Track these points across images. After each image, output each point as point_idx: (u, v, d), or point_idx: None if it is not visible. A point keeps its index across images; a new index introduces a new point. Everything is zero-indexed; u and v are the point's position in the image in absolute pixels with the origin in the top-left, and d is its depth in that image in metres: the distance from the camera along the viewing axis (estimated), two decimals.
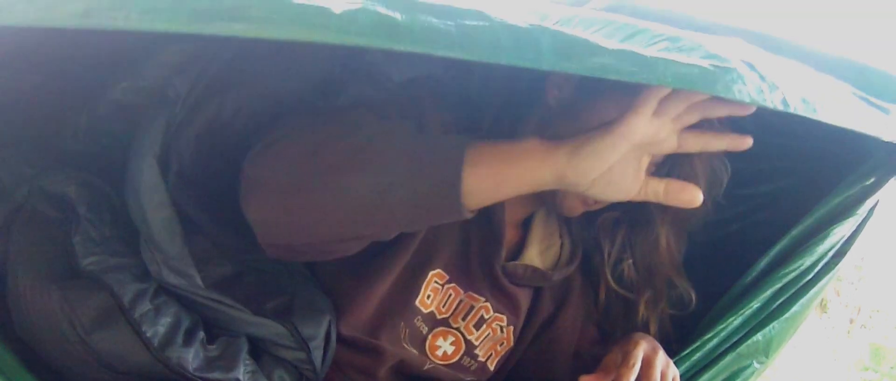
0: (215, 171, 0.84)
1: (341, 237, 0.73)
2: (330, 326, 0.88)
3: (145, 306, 0.79)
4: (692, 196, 0.71)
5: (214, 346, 0.81)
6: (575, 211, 0.93)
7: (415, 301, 0.93)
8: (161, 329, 0.78)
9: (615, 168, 0.67)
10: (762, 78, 0.64)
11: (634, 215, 0.99)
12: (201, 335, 0.81)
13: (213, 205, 0.86)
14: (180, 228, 0.81)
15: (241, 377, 0.80)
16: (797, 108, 0.66)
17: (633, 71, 0.57)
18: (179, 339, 0.79)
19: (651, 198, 0.71)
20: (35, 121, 0.89)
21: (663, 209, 0.95)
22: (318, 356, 0.85)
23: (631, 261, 1.01)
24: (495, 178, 0.67)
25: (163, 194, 0.79)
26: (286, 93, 0.86)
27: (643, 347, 0.89)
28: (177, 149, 0.81)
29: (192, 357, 0.78)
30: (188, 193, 0.83)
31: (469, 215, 0.67)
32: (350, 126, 0.72)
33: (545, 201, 0.94)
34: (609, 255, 1.02)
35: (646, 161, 0.70)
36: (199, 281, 0.81)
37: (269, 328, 0.83)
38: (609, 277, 1.02)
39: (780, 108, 0.64)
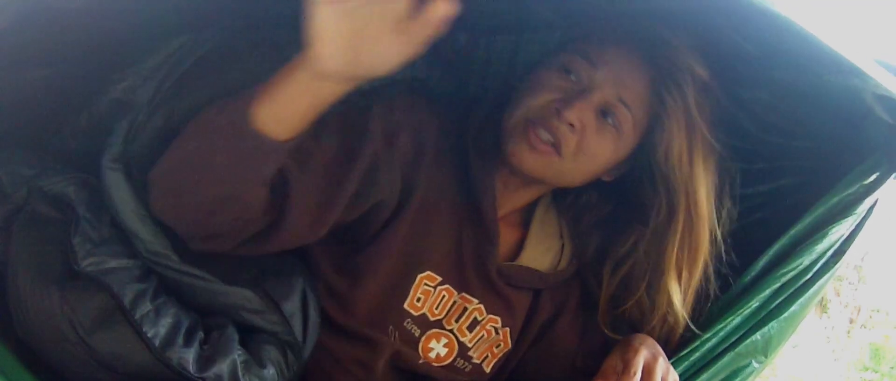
0: None
1: (209, 207, 0.75)
2: (306, 292, 0.88)
3: (146, 306, 0.79)
4: (443, 5, 0.59)
5: (208, 345, 0.81)
6: (524, 162, 0.87)
7: (403, 305, 0.92)
8: (162, 330, 0.79)
9: (363, 35, 0.60)
10: None
11: (645, 226, 0.93)
12: (200, 335, 0.82)
13: None
14: (148, 218, 0.82)
15: (237, 358, 0.80)
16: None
17: None
18: (180, 339, 0.79)
19: (423, 37, 0.62)
20: (35, 121, 0.89)
21: (675, 229, 0.89)
22: (295, 321, 0.85)
23: (632, 303, 0.95)
24: (277, 100, 0.68)
25: (126, 189, 0.81)
26: None
27: (643, 354, 0.87)
28: (136, 153, 0.83)
29: (193, 357, 0.79)
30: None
31: (280, 145, 0.69)
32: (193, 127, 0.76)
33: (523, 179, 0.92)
34: (606, 295, 0.98)
35: (396, 9, 0.60)
36: (175, 258, 0.83)
37: (240, 295, 0.84)
38: (604, 325, 0.98)
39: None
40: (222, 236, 0.79)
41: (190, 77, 0.87)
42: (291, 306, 0.86)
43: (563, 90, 0.86)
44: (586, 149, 0.87)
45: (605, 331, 0.98)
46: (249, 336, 0.86)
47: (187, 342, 0.80)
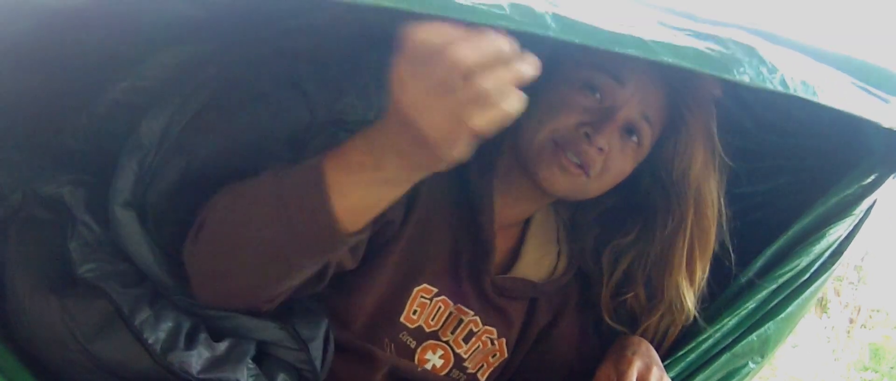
0: (193, 220, 0.83)
1: (272, 295, 0.72)
2: (328, 329, 0.87)
3: (145, 312, 0.78)
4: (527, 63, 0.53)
5: (223, 344, 0.80)
6: (556, 185, 0.85)
7: (399, 318, 0.91)
8: (162, 335, 0.78)
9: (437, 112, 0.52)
10: (762, 61, 0.65)
11: (652, 228, 0.93)
12: (203, 335, 0.81)
13: None
14: (163, 258, 0.81)
15: (242, 379, 0.79)
16: (797, 89, 0.66)
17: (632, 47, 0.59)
18: (181, 343, 0.78)
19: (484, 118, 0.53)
20: (35, 121, 0.88)
21: (683, 214, 0.89)
22: (317, 356, 0.85)
23: (633, 294, 0.95)
24: (361, 197, 0.60)
25: (139, 237, 0.80)
26: (253, 148, 0.85)
27: (637, 365, 0.86)
28: (152, 202, 0.81)
29: (195, 360, 0.78)
30: (169, 237, 0.83)
31: (356, 236, 0.63)
32: (238, 194, 0.69)
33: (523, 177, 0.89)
34: (609, 284, 0.97)
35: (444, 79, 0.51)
36: (189, 299, 0.81)
37: (270, 331, 0.83)
38: (606, 313, 0.97)
39: (780, 89, 0.65)
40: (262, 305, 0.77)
41: (204, 117, 0.84)
42: (317, 345, 0.85)
43: (589, 110, 0.85)
44: (611, 168, 0.86)
45: (607, 320, 0.97)
46: (266, 356, 0.85)
47: (189, 345, 0.79)
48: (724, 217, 0.91)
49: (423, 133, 0.53)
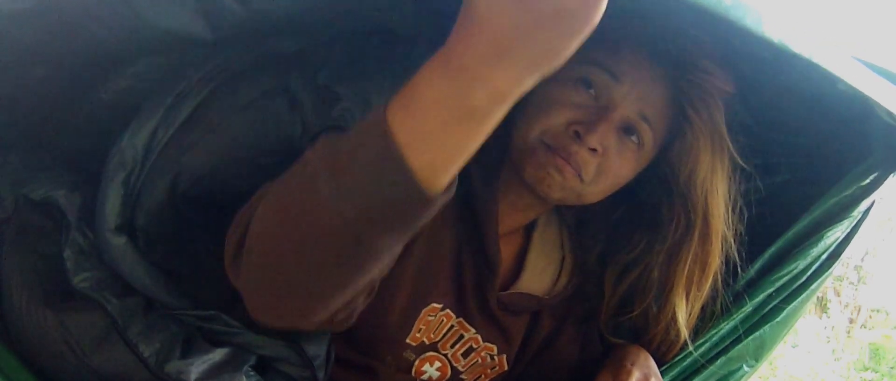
0: (186, 233, 0.83)
1: (349, 298, 0.64)
2: (330, 345, 0.86)
3: (139, 323, 0.78)
4: None
5: (221, 350, 0.79)
6: (552, 188, 0.81)
7: (405, 339, 0.89)
8: (157, 346, 0.77)
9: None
10: (791, 26, 0.65)
11: (658, 238, 0.89)
12: (199, 343, 0.80)
13: (189, 262, 0.84)
14: (161, 277, 0.80)
15: (244, 379, 0.78)
16: (822, 60, 0.67)
17: None
18: (177, 352, 0.78)
19: None
20: (35, 119, 0.87)
21: (691, 227, 0.85)
22: (321, 375, 0.84)
23: (635, 312, 0.92)
24: (444, 144, 0.49)
25: (134, 261, 0.78)
26: (243, 162, 0.82)
27: (636, 376, 0.84)
28: (141, 225, 0.79)
29: (193, 368, 0.77)
30: (163, 255, 0.82)
31: (442, 196, 0.52)
32: (283, 182, 0.60)
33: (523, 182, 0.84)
34: (610, 303, 0.94)
35: None
36: (204, 314, 0.81)
37: (277, 349, 0.82)
38: (606, 331, 0.95)
39: (806, 55, 0.66)
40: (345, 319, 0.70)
41: (188, 131, 0.80)
42: (320, 361, 0.84)
43: (581, 107, 0.80)
44: (608, 170, 0.81)
45: (606, 336, 0.95)
46: (268, 367, 0.84)
47: (185, 354, 0.78)
48: (731, 229, 0.88)
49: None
